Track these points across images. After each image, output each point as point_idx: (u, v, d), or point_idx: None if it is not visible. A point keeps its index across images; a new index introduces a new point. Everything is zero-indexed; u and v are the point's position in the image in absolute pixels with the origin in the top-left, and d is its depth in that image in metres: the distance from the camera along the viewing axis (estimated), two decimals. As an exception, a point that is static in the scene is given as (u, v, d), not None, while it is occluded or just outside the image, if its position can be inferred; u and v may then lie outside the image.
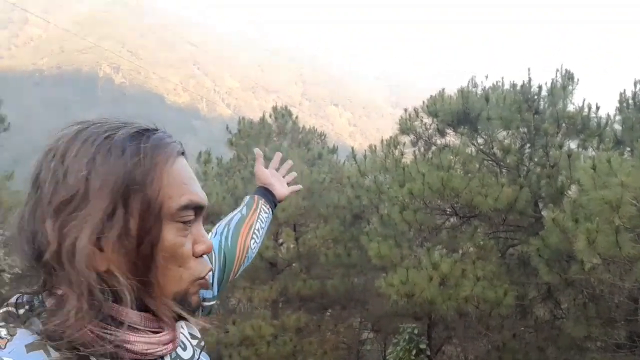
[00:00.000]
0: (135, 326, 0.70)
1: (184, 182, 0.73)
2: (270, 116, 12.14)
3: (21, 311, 0.68)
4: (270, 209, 1.41)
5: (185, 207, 0.71)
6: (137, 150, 0.69)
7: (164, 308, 0.72)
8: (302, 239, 11.21)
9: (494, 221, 7.45)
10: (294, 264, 11.40)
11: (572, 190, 6.03)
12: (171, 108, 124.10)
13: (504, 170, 7.41)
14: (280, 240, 11.29)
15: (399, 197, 8.45)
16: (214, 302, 1.07)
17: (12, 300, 0.70)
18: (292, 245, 11.17)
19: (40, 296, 0.69)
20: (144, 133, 0.72)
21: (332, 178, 10.83)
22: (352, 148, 10.29)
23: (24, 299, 0.70)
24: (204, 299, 1.00)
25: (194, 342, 0.86)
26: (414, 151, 9.28)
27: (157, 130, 0.75)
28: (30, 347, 0.64)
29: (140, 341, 0.69)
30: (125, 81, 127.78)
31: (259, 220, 1.33)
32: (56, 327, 0.64)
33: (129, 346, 0.68)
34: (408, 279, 7.51)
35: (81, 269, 0.65)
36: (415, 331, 9.70)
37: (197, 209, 0.74)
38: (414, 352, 9.38)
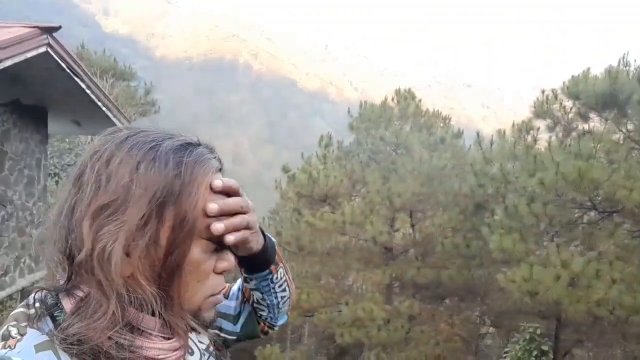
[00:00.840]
0: (149, 331, 0.71)
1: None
2: (392, 99, 11.91)
3: (32, 311, 0.69)
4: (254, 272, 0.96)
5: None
6: (179, 163, 0.70)
7: (179, 320, 0.73)
8: (419, 225, 10.92)
9: (639, 218, 6.49)
10: (409, 251, 11.17)
11: None
12: (303, 92, 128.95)
13: (657, 161, 6.38)
14: (396, 226, 11.12)
15: (527, 188, 7.78)
16: (232, 337, 1.02)
17: (30, 297, 0.72)
18: (408, 232, 10.94)
19: (56, 295, 0.70)
20: (187, 147, 0.73)
21: (454, 164, 10.32)
22: (478, 133, 9.64)
23: (42, 295, 0.71)
24: (221, 329, 0.99)
25: (202, 346, 0.85)
26: (550, 137, 8.44)
27: (200, 144, 0.75)
28: (39, 347, 0.65)
29: (153, 347, 0.70)
30: (262, 67, 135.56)
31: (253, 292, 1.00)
32: (78, 330, 0.65)
33: (143, 352, 0.69)
34: (532, 276, 6.91)
35: (113, 275, 0.66)
36: (538, 331, 8.97)
37: None
38: (534, 353, 8.68)
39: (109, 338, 0.66)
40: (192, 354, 0.80)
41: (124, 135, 0.72)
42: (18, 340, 0.65)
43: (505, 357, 9.49)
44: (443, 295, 11.78)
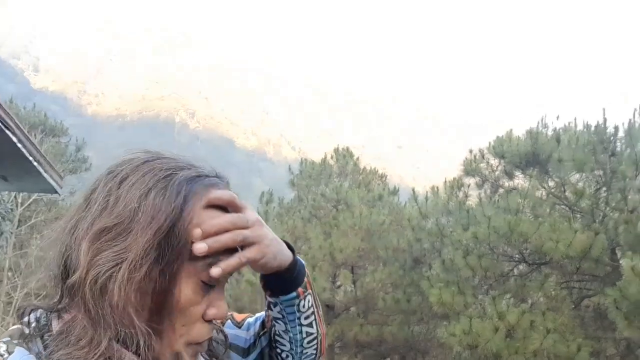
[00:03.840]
0: None
1: None
2: (331, 157, 12.23)
3: (27, 329, 0.67)
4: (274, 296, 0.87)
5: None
6: (189, 195, 0.67)
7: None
8: (360, 281, 10.94)
9: (566, 269, 6.91)
10: (351, 308, 11.10)
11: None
12: (240, 151, 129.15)
13: (577, 215, 6.91)
14: (338, 283, 11.08)
15: (462, 241, 8.10)
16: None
17: (28, 315, 0.69)
18: (349, 288, 10.91)
19: (47, 314, 0.68)
20: (203, 178, 0.70)
21: (392, 220, 10.61)
22: (413, 189, 10.06)
23: (37, 314, 0.69)
24: (232, 345, 0.88)
25: None
26: (479, 193, 8.93)
27: (216, 176, 0.73)
28: None
29: None
30: (199, 126, 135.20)
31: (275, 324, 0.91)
32: (62, 356, 0.62)
33: None
34: (471, 329, 7.05)
35: (104, 304, 0.62)
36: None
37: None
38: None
39: None
40: None
41: (143, 159, 0.69)
42: (5, 359, 0.63)
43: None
44: (385, 353, 11.67)
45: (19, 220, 12.09)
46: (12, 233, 10.73)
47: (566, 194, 6.96)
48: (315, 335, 0.90)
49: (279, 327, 0.88)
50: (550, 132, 7.29)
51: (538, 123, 7.38)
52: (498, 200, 7.94)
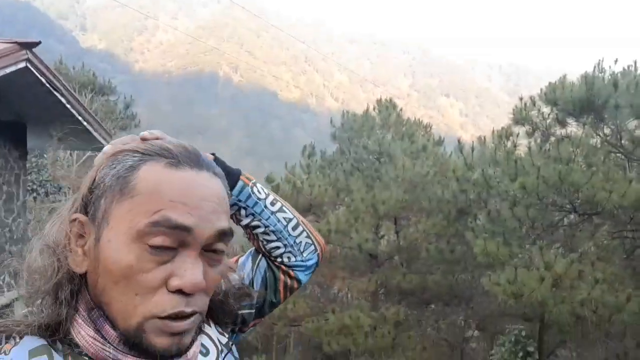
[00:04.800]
0: (122, 350, 0.63)
1: (173, 197, 0.61)
2: (374, 109, 12.02)
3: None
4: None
5: (155, 225, 0.59)
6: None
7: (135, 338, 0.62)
8: (403, 232, 10.97)
9: (619, 219, 6.65)
10: (394, 257, 11.21)
11: None
12: (283, 103, 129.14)
13: (633, 163, 6.56)
14: (381, 233, 11.16)
15: (509, 192, 7.90)
16: (250, 311, 0.90)
17: None
18: (392, 238, 10.98)
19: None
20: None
21: (436, 171, 10.44)
22: (459, 140, 9.79)
23: None
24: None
25: (223, 340, 0.79)
26: (529, 142, 8.61)
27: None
28: (33, 353, 0.62)
29: None
30: (242, 79, 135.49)
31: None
32: (35, 319, 0.63)
33: None
34: (516, 279, 7.00)
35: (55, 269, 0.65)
36: (523, 333, 9.06)
37: (179, 232, 0.61)
38: (520, 354, 8.76)
39: (94, 344, 0.63)
40: (206, 354, 0.73)
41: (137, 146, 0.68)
42: (15, 344, 0.62)
43: (491, 359, 9.56)
44: (429, 300, 11.82)
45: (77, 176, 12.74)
46: (69, 188, 11.35)
47: (622, 141, 6.60)
48: (294, 219, 0.93)
49: (260, 230, 0.91)
50: (607, 77, 6.83)
51: (595, 67, 6.93)
52: (549, 150, 7.64)
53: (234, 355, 0.81)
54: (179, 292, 0.61)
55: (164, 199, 0.60)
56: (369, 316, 9.70)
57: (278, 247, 0.92)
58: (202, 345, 0.74)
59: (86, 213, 0.65)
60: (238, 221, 0.90)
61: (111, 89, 18.48)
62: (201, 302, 0.64)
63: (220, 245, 0.65)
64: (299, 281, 0.97)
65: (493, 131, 9.15)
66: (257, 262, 0.94)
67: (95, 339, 0.63)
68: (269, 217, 0.90)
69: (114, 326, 0.62)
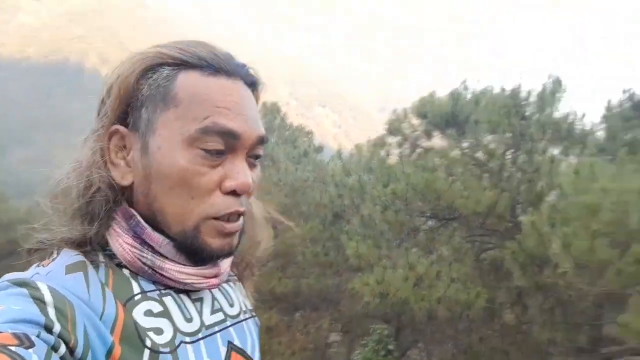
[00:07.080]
0: (163, 253, 0.65)
1: (218, 104, 0.63)
2: (258, 112, 12.05)
3: None
4: None
5: (206, 130, 0.62)
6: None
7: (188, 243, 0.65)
8: (281, 237, 11.09)
9: (471, 224, 7.49)
10: (268, 263, 11.26)
11: (551, 196, 6.08)
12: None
13: (486, 174, 7.45)
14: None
15: (381, 197, 8.44)
16: None
17: None
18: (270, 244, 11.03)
19: None
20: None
21: (315, 177, 10.77)
22: (339, 148, 10.26)
23: None
24: None
25: (248, 306, 0.82)
26: (400, 152, 9.31)
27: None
28: (70, 268, 0.60)
29: (173, 269, 0.65)
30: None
31: None
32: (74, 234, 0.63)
33: (163, 272, 0.64)
34: (384, 279, 7.48)
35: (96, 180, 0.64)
36: (385, 332, 9.68)
37: (228, 137, 0.63)
38: (382, 352, 9.34)
39: (131, 252, 0.64)
40: (232, 305, 0.76)
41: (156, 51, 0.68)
42: (53, 259, 0.62)
43: (356, 359, 10.03)
44: (300, 305, 12.06)
45: None
46: None
47: (478, 154, 7.46)
48: None
49: None
50: (470, 95, 7.70)
51: (460, 85, 7.78)
52: (417, 159, 8.35)
53: (256, 324, 0.83)
54: (231, 193, 0.64)
55: (210, 105, 0.63)
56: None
57: None
58: (229, 294, 0.77)
59: (123, 125, 0.65)
60: None
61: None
62: (246, 203, 0.68)
63: (259, 150, 0.69)
64: None
65: (368, 140, 9.75)
66: None
67: (133, 246, 0.64)
68: None
69: (162, 231, 0.64)
